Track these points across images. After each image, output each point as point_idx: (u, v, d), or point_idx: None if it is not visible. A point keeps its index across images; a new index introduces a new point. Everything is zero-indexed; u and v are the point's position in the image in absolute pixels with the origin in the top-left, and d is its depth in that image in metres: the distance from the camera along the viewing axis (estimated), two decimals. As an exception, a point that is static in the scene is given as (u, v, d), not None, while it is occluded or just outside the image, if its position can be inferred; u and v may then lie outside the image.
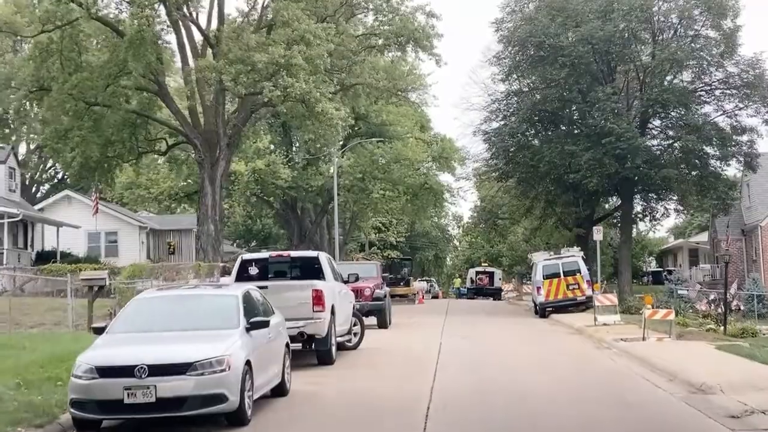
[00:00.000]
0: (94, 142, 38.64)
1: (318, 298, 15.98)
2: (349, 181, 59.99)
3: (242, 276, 17.59)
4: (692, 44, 38.60)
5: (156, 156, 46.45)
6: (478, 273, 68.15)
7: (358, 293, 26.15)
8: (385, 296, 27.14)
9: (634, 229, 66.16)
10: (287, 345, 13.11)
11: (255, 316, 11.60)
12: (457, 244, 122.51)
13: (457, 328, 27.43)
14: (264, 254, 19.60)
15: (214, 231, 40.70)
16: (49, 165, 64.86)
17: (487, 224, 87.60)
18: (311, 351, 16.73)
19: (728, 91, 39.62)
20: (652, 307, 22.10)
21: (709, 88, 40.06)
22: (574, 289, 34.94)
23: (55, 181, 67.65)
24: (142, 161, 45.64)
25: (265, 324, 11.48)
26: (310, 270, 17.65)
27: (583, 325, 27.09)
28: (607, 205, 53.27)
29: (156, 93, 39.83)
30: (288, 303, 15.77)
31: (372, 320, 27.10)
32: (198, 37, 38.73)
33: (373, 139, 56.03)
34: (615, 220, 51.07)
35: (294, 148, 64.12)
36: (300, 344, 16.27)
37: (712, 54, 38.66)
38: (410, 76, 62.70)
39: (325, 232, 75.03)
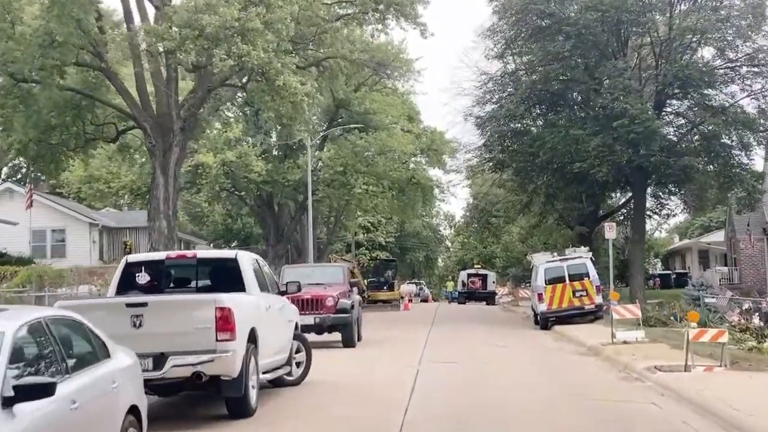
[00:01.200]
0: (29, 126, 33.26)
1: (224, 321, 10.46)
2: (329, 175, 54.54)
3: (126, 286, 12.15)
4: (715, 15, 33.22)
5: (106, 144, 40.80)
6: (470, 275, 62.77)
7: (317, 304, 20.79)
8: (353, 307, 21.72)
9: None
10: (135, 412, 7.60)
11: (42, 370, 6.17)
12: (449, 244, 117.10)
13: (442, 346, 22.04)
14: (159, 254, 14.19)
15: (167, 228, 35.17)
16: None
17: (479, 223, 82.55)
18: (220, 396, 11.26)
19: (755, 69, 34.25)
20: (697, 325, 16.61)
21: (733, 65, 34.67)
22: (581, 296, 29.60)
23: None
24: (91, 150, 40.13)
25: (47, 390, 5.92)
26: (225, 277, 12.21)
27: (598, 343, 21.69)
28: (610, 201, 47.93)
29: (100, 69, 34.33)
30: (178, 328, 10.34)
31: (337, 336, 21.70)
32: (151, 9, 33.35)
33: (352, 125, 50.47)
34: (621, 217, 45.75)
35: (271, 140, 58.69)
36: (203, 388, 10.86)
37: (737, 26, 33.29)
38: (396, 61, 57.51)
39: (306, 231, 69.58)
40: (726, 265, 52.96)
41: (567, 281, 29.64)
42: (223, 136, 50.58)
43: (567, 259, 30.28)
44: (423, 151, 56.62)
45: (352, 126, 49.56)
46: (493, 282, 61.67)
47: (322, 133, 50.47)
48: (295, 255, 67.63)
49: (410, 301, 72.80)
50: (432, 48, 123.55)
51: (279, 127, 46.54)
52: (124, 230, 46.00)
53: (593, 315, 29.93)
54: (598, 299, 29.68)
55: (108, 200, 53.96)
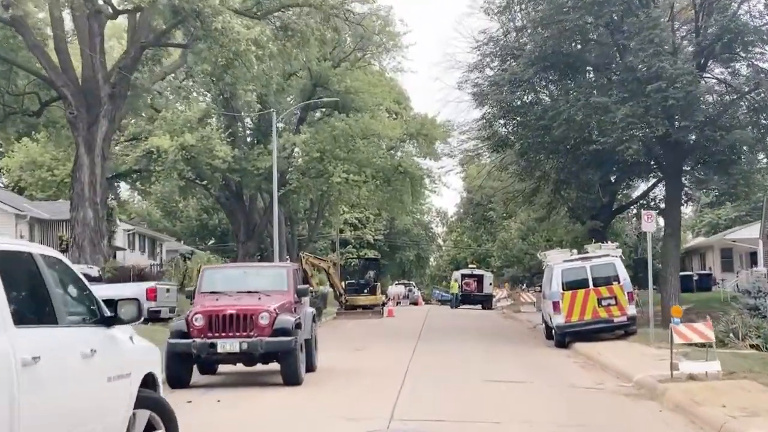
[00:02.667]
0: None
1: None
2: (304, 162, 47.74)
3: None
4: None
5: (29, 119, 33.79)
6: (464, 276, 55.93)
7: (246, 323, 14.02)
8: (300, 326, 14.87)
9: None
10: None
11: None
12: (441, 243, 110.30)
13: (428, 383, 15.20)
14: None
15: (94, 219, 28.42)
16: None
17: (474, 218, 75.79)
18: None
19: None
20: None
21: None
22: (609, 305, 22.82)
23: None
24: (11, 126, 33.31)
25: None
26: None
27: (650, 377, 14.95)
28: (627, 190, 41.14)
29: (9, 24, 27.49)
30: None
31: (276, 368, 14.87)
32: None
33: (325, 100, 43.68)
34: (637, 210, 39.01)
35: (240, 124, 51.78)
36: None
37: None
38: (381, 34, 50.68)
39: (282, 226, 62.63)
40: (754, 265, 46.36)
41: (591, 286, 22.89)
42: (182, 116, 43.72)
43: (590, 258, 23.48)
44: (411, 136, 49.85)
45: (325, 100, 42.69)
46: (490, 284, 54.87)
47: (288, 111, 43.49)
48: (272, 254, 60.89)
49: (398, 303, 66.03)
50: (423, 20, 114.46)
51: (248, 107, 39.46)
52: (60, 223, 38.97)
53: (624, 330, 23.21)
54: (631, 309, 22.91)
55: (52, 190, 47.14)
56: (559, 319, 22.89)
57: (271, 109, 42.47)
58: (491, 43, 29.02)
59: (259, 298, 14.91)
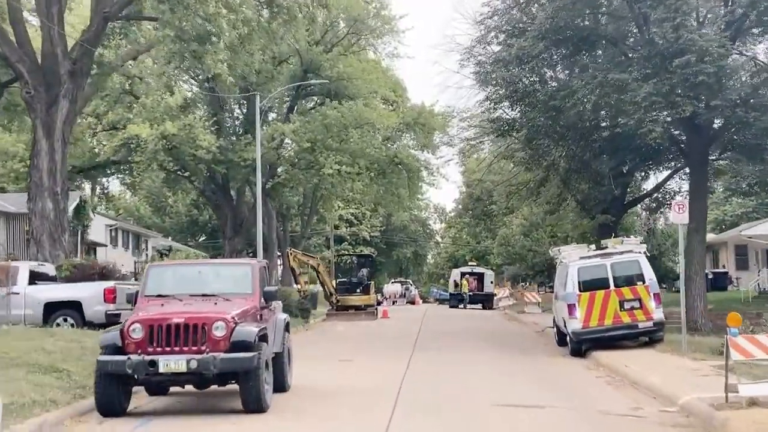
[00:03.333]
0: None
1: None
2: (293, 152, 44.70)
3: None
4: None
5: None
6: (464, 275, 52.93)
7: (196, 334, 11.05)
8: (265, 337, 11.88)
9: (662, 217, 51.19)
10: None
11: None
12: (440, 240, 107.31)
13: (425, 404, 12.23)
14: None
15: (54, 210, 25.34)
16: None
17: (474, 214, 72.77)
18: None
19: None
20: None
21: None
22: (633, 309, 19.82)
23: None
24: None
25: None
26: None
27: (698, 400, 12.01)
28: (637, 183, 38.13)
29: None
30: None
31: (235, 390, 11.86)
32: None
33: (314, 82, 40.75)
34: (654, 204, 36.12)
35: (227, 114, 48.76)
36: None
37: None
38: (376, 18, 47.64)
39: (273, 222, 59.61)
40: (772, 263, 43.60)
41: (611, 287, 19.90)
42: (162, 103, 40.68)
43: (610, 254, 20.46)
44: (408, 126, 46.81)
45: (315, 82, 39.68)
46: (491, 282, 51.88)
47: (274, 94, 40.51)
48: (261, 250, 57.77)
49: (394, 303, 63.07)
50: (420, 3, 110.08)
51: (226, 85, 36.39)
52: (27, 216, 35.80)
53: (649, 336, 20.25)
54: (658, 313, 19.91)
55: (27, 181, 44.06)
56: (575, 324, 19.91)
57: (254, 92, 39.45)
58: (496, 16, 25.94)
59: (216, 303, 11.90)
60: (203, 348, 11.10)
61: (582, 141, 27.03)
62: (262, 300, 12.53)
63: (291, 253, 33.98)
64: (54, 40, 24.53)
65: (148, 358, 10.99)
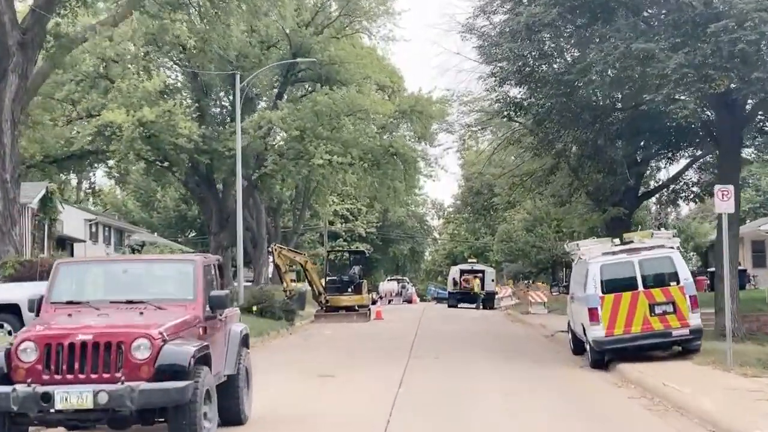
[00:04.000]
0: None
1: None
2: (282, 141, 41.66)
3: None
4: None
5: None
6: (463, 272, 49.91)
7: (108, 357, 7.91)
8: (202, 359, 8.83)
9: (673, 212, 48.10)
10: None
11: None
12: (437, 236, 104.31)
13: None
14: None
15: (2, 200, 22.29)
16: None
17: (474, 208, 69.70)
18: None
19: None
20: None
21: None
22: (665, 314, 16.76)
23: None
24: None
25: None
26: None
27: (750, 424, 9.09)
28: (653, 172, 35.13)
29: None
30: None
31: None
32: None
33: (300, 60, 37.77)
34: (673, 195, 33.13)
35: (212, 99, 45.70)
36: None
37: None
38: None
39: (263, 216, 56.58)
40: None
41: (640, 288, 16.89)
42: (140, 88, 37.67)
43: (638, 250, 17.41)
44: (404, 114, 43.77)
45: (302, 60, 36.69)
46: (492, 280, 48.86)
47: (256, 74, 37.57)
48: (250, 246, 54.78)
49: (390, 302, 60.05)
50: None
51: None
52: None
53: (683, 346, 17.25)
54: (695, 319, 16.87)
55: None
56: (597, 332, 16.89)
57: (241, 76, 36.44)
58: (503, -19, 22.86)
59: (141, 314, 8.87)
60: (118, 375, 8.08)
61: (597, 123, 23.96)
62: (207, 308, 9.49)
63: (276, 249, 30.98)
64: (1, 8, 21.50)
65: (40, 389, 7.98)
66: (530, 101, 22.83)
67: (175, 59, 42.37)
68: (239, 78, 32.69)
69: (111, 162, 41.16)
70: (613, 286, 17.03)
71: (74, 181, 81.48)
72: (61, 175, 46.09)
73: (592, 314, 16.99)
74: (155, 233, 70.24)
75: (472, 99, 31.54)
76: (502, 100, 24.22)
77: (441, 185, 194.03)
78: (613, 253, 17.55)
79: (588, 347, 17.71)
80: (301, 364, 17.37)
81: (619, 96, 22.89)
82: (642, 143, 25.24)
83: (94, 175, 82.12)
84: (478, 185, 67.65)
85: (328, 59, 41.03)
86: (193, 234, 79.35)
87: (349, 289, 32.71)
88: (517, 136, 30.15)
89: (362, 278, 33.55)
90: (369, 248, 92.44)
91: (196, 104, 43.14)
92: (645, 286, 16.92)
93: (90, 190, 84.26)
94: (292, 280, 32.36)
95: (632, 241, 18.00)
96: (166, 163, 40.78)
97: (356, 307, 32.64)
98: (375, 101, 40.13)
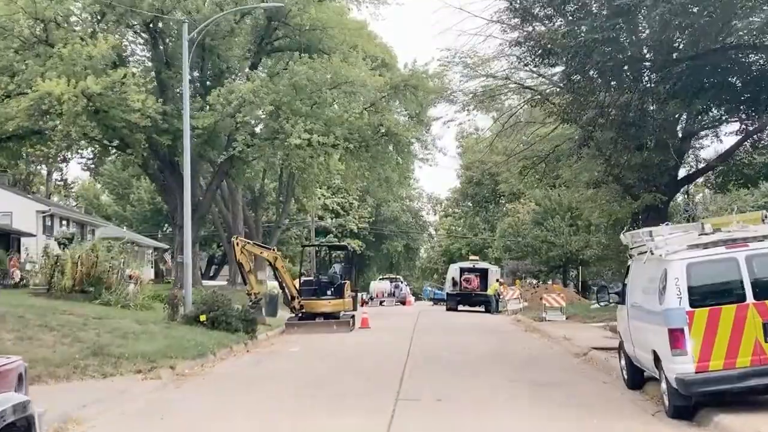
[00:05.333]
0: None
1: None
2: (251, 119, 35.54)
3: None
4: None
5: None
6: (463, 271, 43.90)
7: None
8: None
9: (713, 200, 42.02)
10: None
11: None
12: (433, 232, 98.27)
13: None
14: None
15: None
16: None
17: (475, 199, 64.05)
18: None
19: None
20: None
21: None
22: (791, 338, 10.87)
23: None
24: None
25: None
26: None
27: None
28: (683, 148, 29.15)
29: None
30: None
31: None
32: None
33: (264, 5, 31.82)
34: (720, 177, 27.25)
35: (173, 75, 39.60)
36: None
37: None
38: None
39: (240, 208, 50.50)
40: None
41: (750, 299, 10.94)
42: (84, 54, 31.62)
43: (743, 241, 11.44)
44: (397, 90, 37.75)
45: (264, 6, 30.69)
46: (497, 280, 42.85)
47: (208, 23, 31.51)
48: (226, 242, 48.78)
49: (382, 303, 54.06)
50: None
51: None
52: None
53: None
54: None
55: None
56: (683, 365, 10.88)
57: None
58: None
59: None
60: None
61: (645, 78, 17.98)
62: None
63: (237, 243, 24.92)
64: None
65: None
66: (563, 42, 16.74)
67: (131, 24, 36.27)
68: (187, 28, 26.43)
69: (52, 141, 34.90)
70: (707, 295, 11.07)
71: (43, 172, 75.85)
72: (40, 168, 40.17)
73: (675, 339, 10.99)
74: (125, 227, 64.18)
75: (479, 61, 25.51)
76: (524, 43, 18.11)
77: (438, 178, 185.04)
78: (705, 245, 11.54)
79: (664, 385, 11.72)
80: (226, 410, 11.36)
81: (680, 40, 16.89)
82: (705, 104, 19.18)
83: (66, 165, 76.37)
84: (479, 175, 61.94)
85: (309, 24, 35.01)
86: (170, 229, 73.27)
87: (329, 292, 26.63)
88: (535, 102, 24.08)
89: (345, 278, 27.45)
90: (361, 245, 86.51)
91: (157, 77, 37.06)
92: (757, 297, 10.95)
93: (62, 182, 78.38)
94: (258, 281, 26.30)
95: (729, 230, 11.98)
96: (115, 144, 34.54)
97: (337, 314, 26.61)
98: (363, 72, 34.06)
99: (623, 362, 14.51)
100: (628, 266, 13.98)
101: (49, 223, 45.42)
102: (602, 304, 14.60)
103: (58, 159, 68.40)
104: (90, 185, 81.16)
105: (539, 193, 42.42)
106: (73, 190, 76.55)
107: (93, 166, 70.63)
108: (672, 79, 18.17)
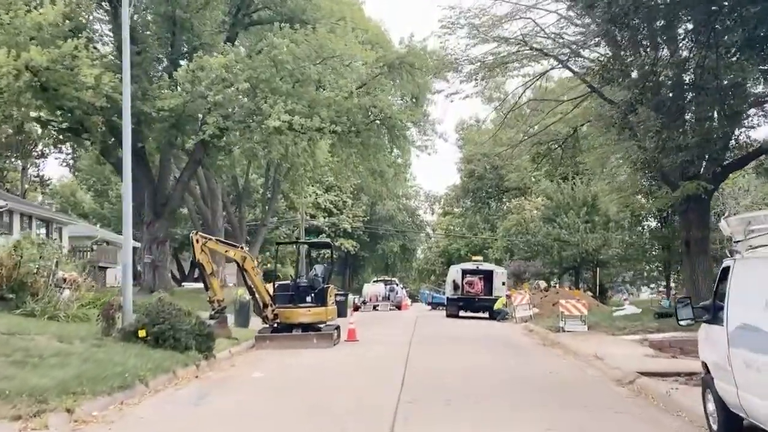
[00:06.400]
0: None
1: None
2: (224, 97, 30.99)
3: None
4: None
5: None
6: (465, 273, 39.35)
7: None
8: None
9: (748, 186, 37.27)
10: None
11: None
12: (431, 232, 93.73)
13: None
14: None
15: None
16: None
17: (476, 195, 59.61)
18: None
19: None
20: None
21: None
22: None
23: None
24: None
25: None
26: None
27: None
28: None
29: None
30: None
31: None
32: None
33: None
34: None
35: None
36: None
37: None
38: None
39: (219, 204, 45.95)
40: None
41: None
42: (29, 18, 27.14)
43: None
44: (392, 68, 33.28)
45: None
46: (503, 283, 38.29)
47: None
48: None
49: (375, 307, 49.48)
50: None
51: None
52: None
53: None
54: None
55: None
56: None
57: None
58: None
59: None
60: None
61: (718, 17, 13.47)
62: None
63: (197, 240, 20.41)
64: None
65: None
66: None
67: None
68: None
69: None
70: None
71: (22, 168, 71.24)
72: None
73: None
74: (98, 225, 59.57)
75: (489, 21, 21.03)
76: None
77: (437, 177, 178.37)
78: None
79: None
80: None
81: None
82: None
83: (42, 161, 71.77)
84: (481, 168, 57.67)
85: (291, -8, 30.58)
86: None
87: (308, 299, 22.05)
88: (562, 63, 19.55)
89: (328, 282, 22.87)
90: (355, 245, 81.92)
91: (119, 52, 32.53)
92: None
93: (38, 179, 73.73)
94: (220, 286, 21.71)
95: None
96: (62, 123, 29.90)
97: (318, 325, 22.09)
98: (352, 44, 29.56)
99: (711, 406, 10.00)
100: (724, 268, 9.48)
101: (6, 219, 40.80)
102: (685, 323, 10.05)
103: (34, 154, 64.02)
104: (72, 182, 76.68)
105: (550, 186, 37.94)
106: (50, 187, 71.96)
107: (72, 161, 66.23)
108: (747, 24, 13.66)
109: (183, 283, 53.88)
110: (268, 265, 52.00)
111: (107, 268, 46.32)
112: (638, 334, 23.10)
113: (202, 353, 17.33)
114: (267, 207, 51.67)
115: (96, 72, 27.12)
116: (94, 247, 46.64)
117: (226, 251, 21.68)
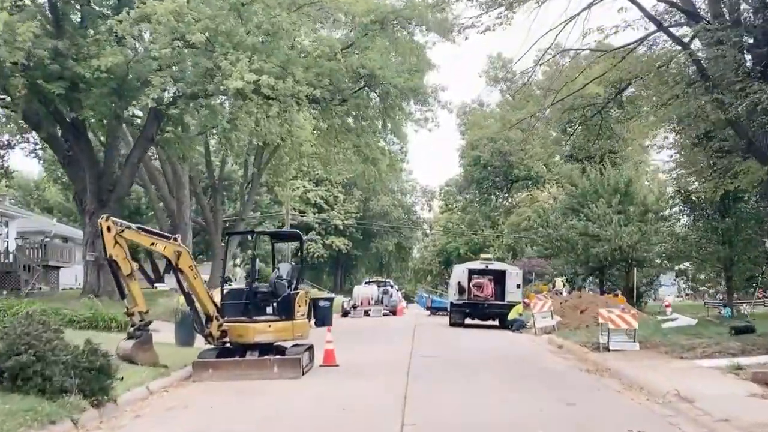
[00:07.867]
0: None
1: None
2: (170, 52, 24.68)
3: None
4: None
5: None
6: (473, 274, 33.13)
7: None
8: None
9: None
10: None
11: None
12: (428, 230, 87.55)
13: None
14: None
15: None
16: None
17: (481, 187, 53.48)
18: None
19: None
20: None
21: None
22: None
23: None
24: None
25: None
26: None
27: None
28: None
29: None
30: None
31: None
32: None
33: None
34: None
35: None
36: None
37: None
38: None
39: (186, 193, 39.66)
40: None
41: None
42: None
43: None
44: (383, 24, 27.09)
45: None
46: (517, 286, 32.13)
47: None
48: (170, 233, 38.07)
49: (367, 313, 43.28)
50: None
51: None
52: None
53: None
54: None
55: None
56: None
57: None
58: None
59: None
60: None
61: None
62: None
63: (108, 228, 14.30)
64: None
65: None
66: None
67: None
68: None
69: None
70: None
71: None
72: None
73: None
74: (54, 219, 53.26)
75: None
76: None
77: (435, 175, 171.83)
78: None
79: None
80: None
81: None
82: None
83: (6, 152, 65.51)
84: (487, 155, 51.56)
85: None
86: (126, 216, 62.62)
87: (268, 310, 15.88)
88: None
89: (297, 288, 16.64)
90: (347, 243, 75.81)
91: (50, 2, 26.37)
92: None
93: (2, 170, 67.50)
94: (136, 290, 15.39)
95: None
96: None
97: (281, 346, 15.94)
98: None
99: None
100: None
101: (-64, 211, 34.69)
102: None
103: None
104: (44, 178, 70.60)
105: (575, 169, 31.85)
106: (14, 179, 65.55)
107: (42, 150, 60.09)
108: None
109: (156, 284, 47.75)
110: (246, 266, 45.90)
111: (60, 267, 40.13)
112: (716, 357, 17.02)
113: (89, 398, 11.18)
114: (246, 198, 45.55)
115: (5, 17, 20.97)
116: (45, 243, 40.42)
117: (153, 244, 15.41)
